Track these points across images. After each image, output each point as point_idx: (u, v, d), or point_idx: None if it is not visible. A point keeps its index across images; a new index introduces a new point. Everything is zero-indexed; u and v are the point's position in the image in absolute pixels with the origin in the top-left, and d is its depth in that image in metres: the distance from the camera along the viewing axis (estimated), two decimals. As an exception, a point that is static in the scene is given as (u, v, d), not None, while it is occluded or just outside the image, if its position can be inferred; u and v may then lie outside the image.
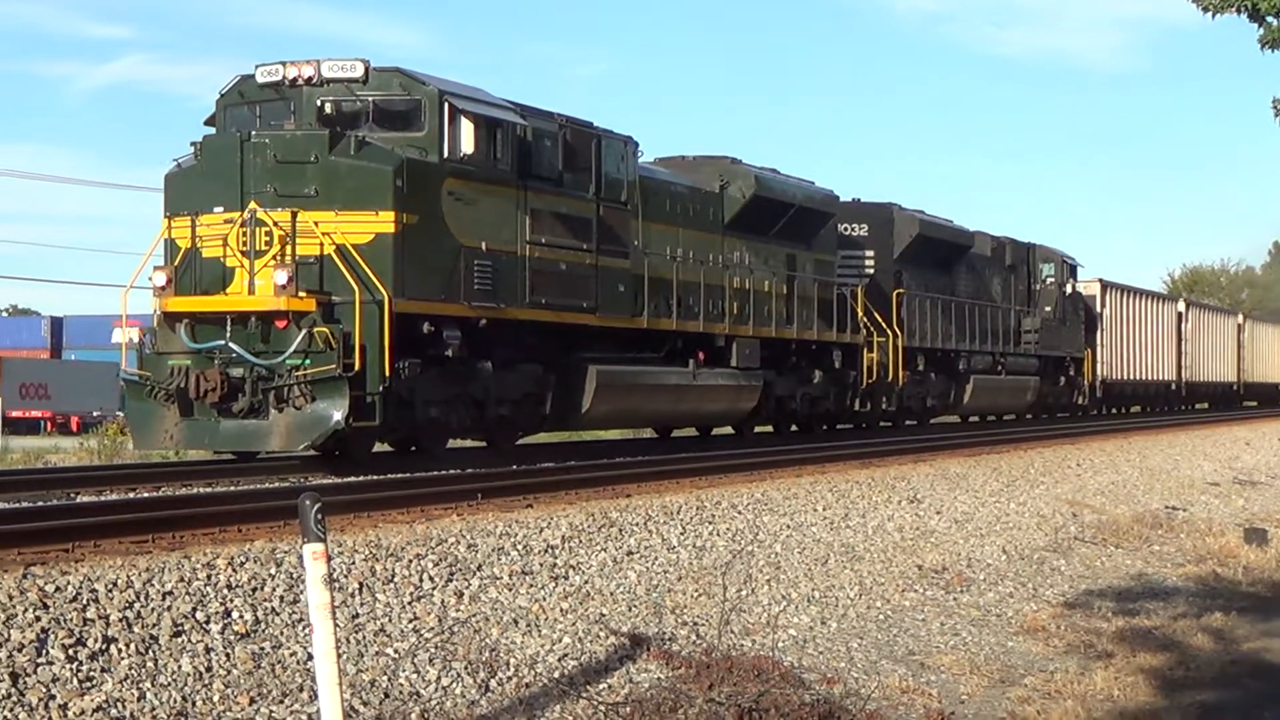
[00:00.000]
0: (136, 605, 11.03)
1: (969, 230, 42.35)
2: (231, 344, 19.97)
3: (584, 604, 14.38)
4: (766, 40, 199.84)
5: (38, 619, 10.33)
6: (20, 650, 9.95)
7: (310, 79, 21.25)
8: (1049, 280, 47.27)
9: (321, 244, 20.03)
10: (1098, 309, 51.65)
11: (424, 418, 21.65)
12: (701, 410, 29.79)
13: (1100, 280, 52.71)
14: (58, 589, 10.84)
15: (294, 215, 20.00)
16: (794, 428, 34.08)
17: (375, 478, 20.07)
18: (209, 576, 11.93)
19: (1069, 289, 48.60)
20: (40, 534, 13.19)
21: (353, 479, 19.75)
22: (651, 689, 12.21)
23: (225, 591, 11.78)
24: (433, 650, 12.14)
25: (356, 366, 19.50)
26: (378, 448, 24.00)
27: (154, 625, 10.89)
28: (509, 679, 12.10)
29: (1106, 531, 25.37)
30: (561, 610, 14.00)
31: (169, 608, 11.21)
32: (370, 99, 21.51)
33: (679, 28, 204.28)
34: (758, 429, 32.93)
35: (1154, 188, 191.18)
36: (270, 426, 19.79)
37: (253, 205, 20.13)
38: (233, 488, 18.47)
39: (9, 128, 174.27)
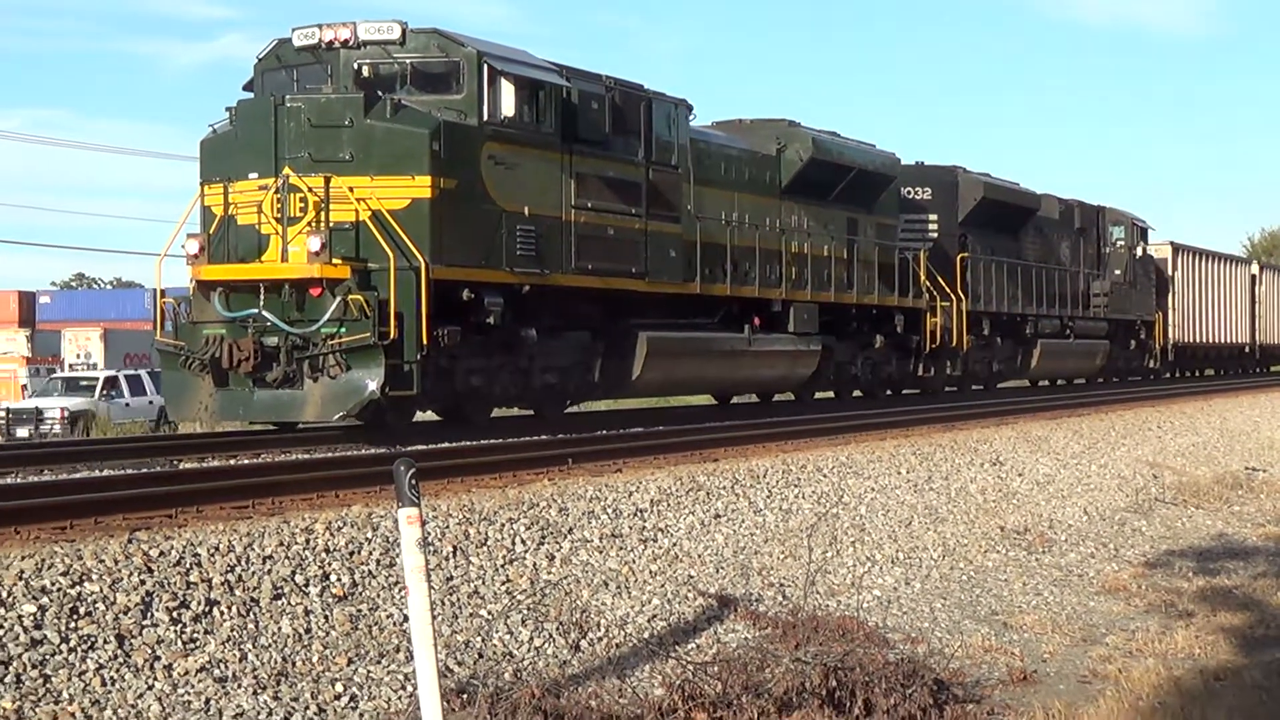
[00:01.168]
0: (238, 569, 11.14)
1: (1036, 193, 41.58)
2: (265, 312, 19.47)
3: (672, 566, 14.40)
4: (843, 12, 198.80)
5: (143, 583, 10.46)
6: (126, 613, 10.08)
7: (346, 41, 20.66)
8: (1119, 243, 46.50)
9: (357, 210, 19.50)
10: (1169, 272, 50.94)
11: (465, 386, 21.10)
12: (758, 376, 29.23)
13: (1171, 243, 52.10)
14: (162, 554, 10.97)
15: (327, 181, 19.43)
16: (856, 394, 33.61)
17: (469, 443, 20.07)
18: (308, 541, 12.03)
19: (1139, 252, 47.74)
20: (145, 500, 13.40)
21: (446, 444, 19.75)
22: (739, 649, 12.23)
23: (323, 555, 11.87)
24: (525, 612, 12.20)
25: (392, 334, 18.94)
26: (423, 417, 23.85)
27: (255, 588, 10.99)
28: (599, 639, 12.13)
29: (1187, 492, 25.18)
30: (650, 572, 14.03)
31: (269, 571, 11.31)
32: (408, 61, 20.84)
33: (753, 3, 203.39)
34: (818, 395, 32.45)
35: (1232, 152, 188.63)
36: (305, 396, 19.23)
37: (286, 171, 19.63)
38: (330, 454, 18.46)
39: (111, 104, 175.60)
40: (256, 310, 19.45)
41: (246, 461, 17.50)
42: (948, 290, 34.58)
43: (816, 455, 20.79)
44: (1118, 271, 46.08)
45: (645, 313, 24.46)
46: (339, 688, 10.15)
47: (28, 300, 78.48)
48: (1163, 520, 22.68)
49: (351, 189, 19.40)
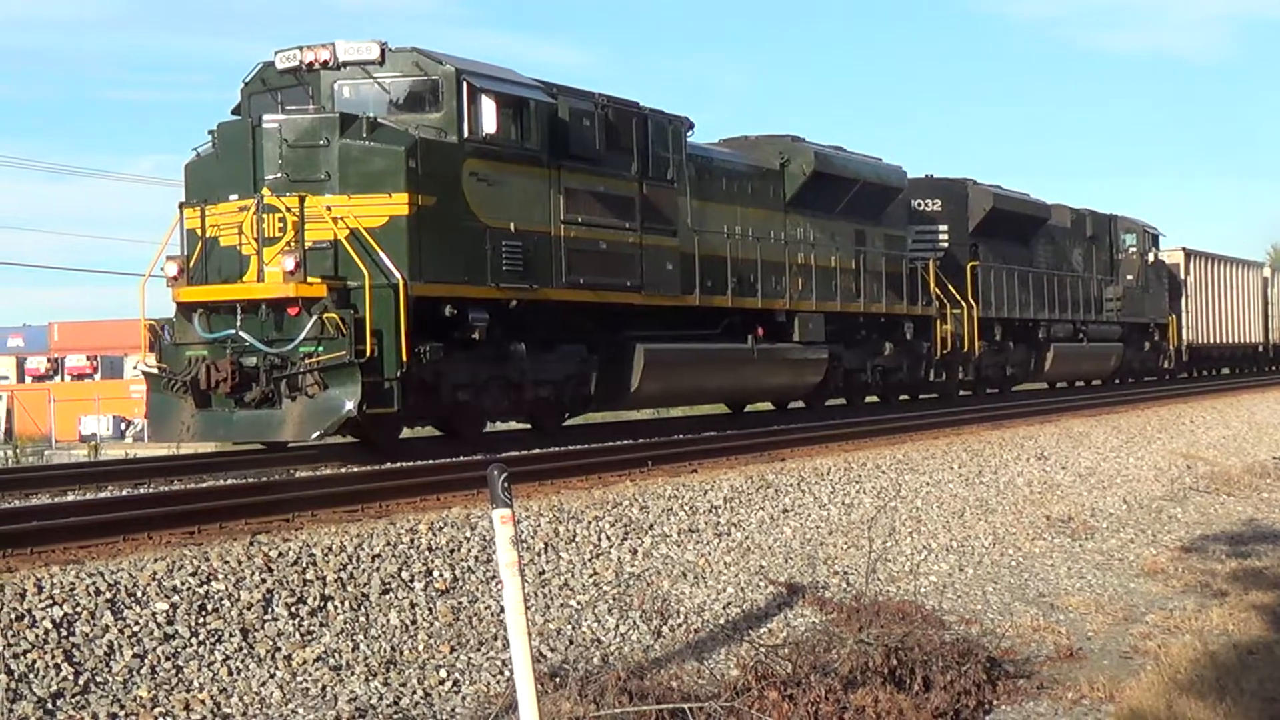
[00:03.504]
0: (349, 567, 11.34)
1: (1046, 203, 40.81)
2: (242, 332, 18.53)
3: (745, 557, 14.53)
4: (883, 42, 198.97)
5: (263, 581, 10.66)
6: (249, 609, 10.29)
7: (326, 62, 19.65)
8: (1131, 250, 45.82)
9: (335, 229, 18.60)
10: (1182, 276, 50.46)
11: (452, 402, 20.13)
12: (764, 385, 28.21)
13: (1184, 249, 51.57)
14: (280, 554, 11.20)
15: (302, 200, 18.50)
16: (867, 399, 32.44)
17: (557, 448, 20.09)
18: (412, 540, 12.22)
19: (1151, 257, 47.11)
20: (264, 506, 13.70)
21: (537, 450, 19.76)
22: (807, 632, 12.38)
23: (426, 553, 12.08)
24: (611, 601, 12.34)
25: (369, 352, 17.96)
26: (420, 432, 23.18)
27: (365, 584, 11.20)
28: (679, 625, 12.28)
29: (1219, 481, 25.19)
30: (725, 563, 14.16)
31: (378, 568, 11.50)
32: (388, 81, 19.89)
33: (810, 36, 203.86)
34: (831, 403, 31.39)
35: (1254, 167, 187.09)
36: (283, 416, 18.25)
37: (264, 191, 18.74)
38: (431, 461, 18.44)
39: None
40: (234, 331, 18.61)
41: (356, 469, 17.53)
42: (959, 298, 33.84)
43: (875, 454, 20.91)
44: (1130, 276, 45.60)
45: (644, 325, 23.58)
46: (443, 673, 10.35)
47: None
48: (1197, 507, 22.73)
49: (329, 208, 18.57)
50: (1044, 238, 40.23)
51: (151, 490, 16.25)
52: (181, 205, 19.69)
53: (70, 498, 15.79)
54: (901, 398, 33.83)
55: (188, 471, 18.22)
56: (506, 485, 8.76)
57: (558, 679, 10.18)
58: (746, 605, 13.43)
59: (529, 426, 23.49)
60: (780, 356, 27.21)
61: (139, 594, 10.15)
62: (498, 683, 10.35)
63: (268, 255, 18.56)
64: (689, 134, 24.99)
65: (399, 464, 18.55)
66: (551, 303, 21.30)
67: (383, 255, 18.41)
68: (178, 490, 15.89)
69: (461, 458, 18.90)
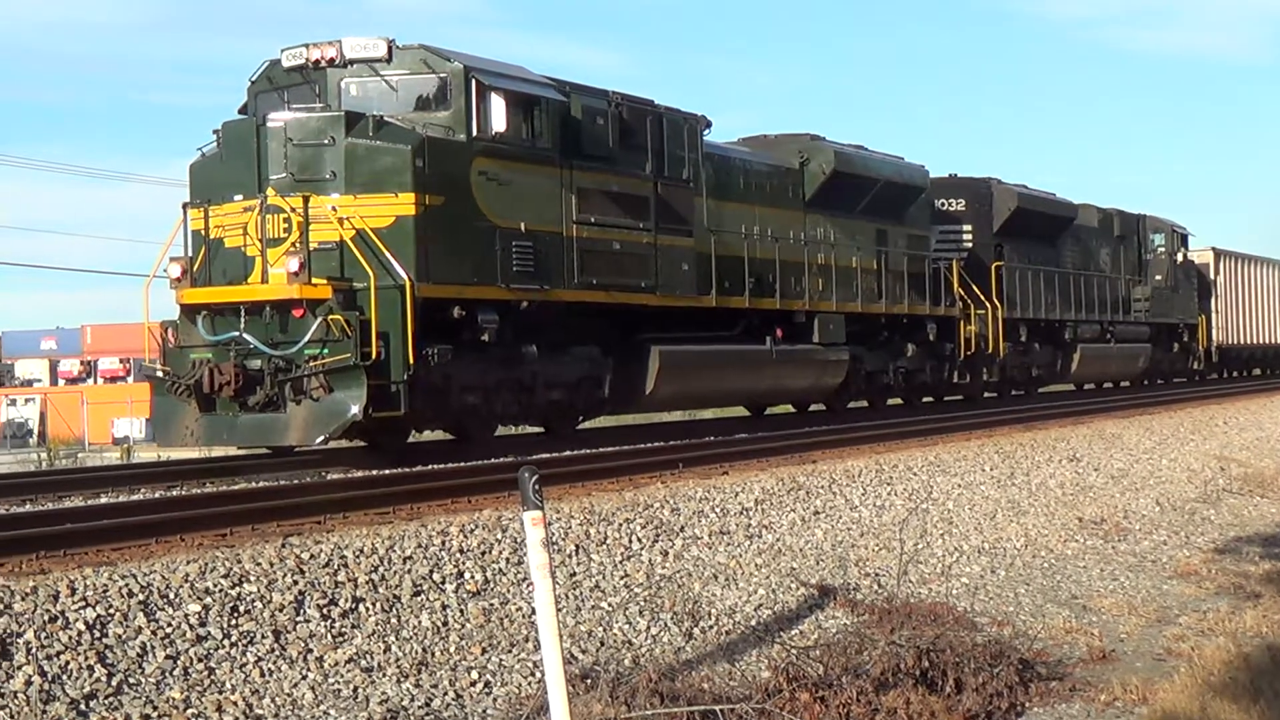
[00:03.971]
0: (381, 569, 11.37)
1: (1073, 202, 40.41)
2: (246, 334, 18.21)
3: (776, 559, 14.53)
4: (913, 41, 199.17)
5: (295, 583, 10.71)
6: (281, 610, 10.34)
7: (333, 60, 19.39)
8: (1160, 249, 45.36)
9: (340, 229, 18.25)
10: (1211, 276, 50.02)
11: (462, 405, 19.74)
12: (783, 387, 27.71)
13: (1213, 248, 51.00)
14: (312, 556, 11.25)
15: (306, 200, 18.14)
16: (890, 401, 32.13)
17: (588, 451, 20.07)
18: (443, 542, 12.26)
19: (1180, 257, 46.61)
20: (296, 508, 13.79)
21: (568, 453, 19.76)
22: (838, 633, 12.37)
23: (458, 555, 12.12)
24: (642, 603, 12.35)
25: (374, 354, 17.60)
26: (430, 436, 22.79)
27: (396, 586, 11.23)
28: (710, 627, 12.26)
29: (1252, 483, 25.10)
30: (756, 565, 14.17)
31: (409, 570, 11.53)
32: (395, 78, 19.48)
33: (839, 37, 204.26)
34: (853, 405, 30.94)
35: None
36: (288, 420, 17.88)
37: (269, 191, 18.38)
38: (462, 464, 18.44)
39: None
40: (237, 333, 18.30)
41: (387, 472, 17.53)
42: (983, 298, 33.42)
43: (907, 456, 20.89)
44: (1159, 277, 45.13)
45: (659, 327, 23.18)
46: (474, 675, 10.36)
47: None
48: (1230, 509, 22.64)
49: (335, 208, 18.25)
50: (1070, 237, 39.81)
51: (184, 492, 16.31)
52: (185, 206, 19.41)
53: (103, 500, 15.86)
54: (925, 400, 33.52)
55: (220, 474, 18.22)
56: (538, 487, 8.77)
57: (589, 680, 10.18)
58: (778, 607, 13.40)
59: (542, 430, 23.27)
60: (800, 358, 26.83)
61: (172, 596, 10.18)
62: (529, 684, 10.36)
63: (272, 256, 18.27)
64: (706, 133, 24.61)
65: (430, 466, 18.53)
66: (563, 304, 20.96)
67: (389, 256, 18.12)
68: (210, 492, 15.94)
69: (493, 460, 18.90)
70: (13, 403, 70.60)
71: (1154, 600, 16.05)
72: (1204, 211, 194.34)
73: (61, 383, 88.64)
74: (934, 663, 11.62)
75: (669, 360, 22.82)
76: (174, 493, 16.32)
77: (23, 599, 9.54)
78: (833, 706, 10.56)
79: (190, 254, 19.30)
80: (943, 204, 34.27)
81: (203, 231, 19.09)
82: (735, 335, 25.39)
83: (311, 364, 17.66)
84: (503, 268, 19.68)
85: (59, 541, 11.62)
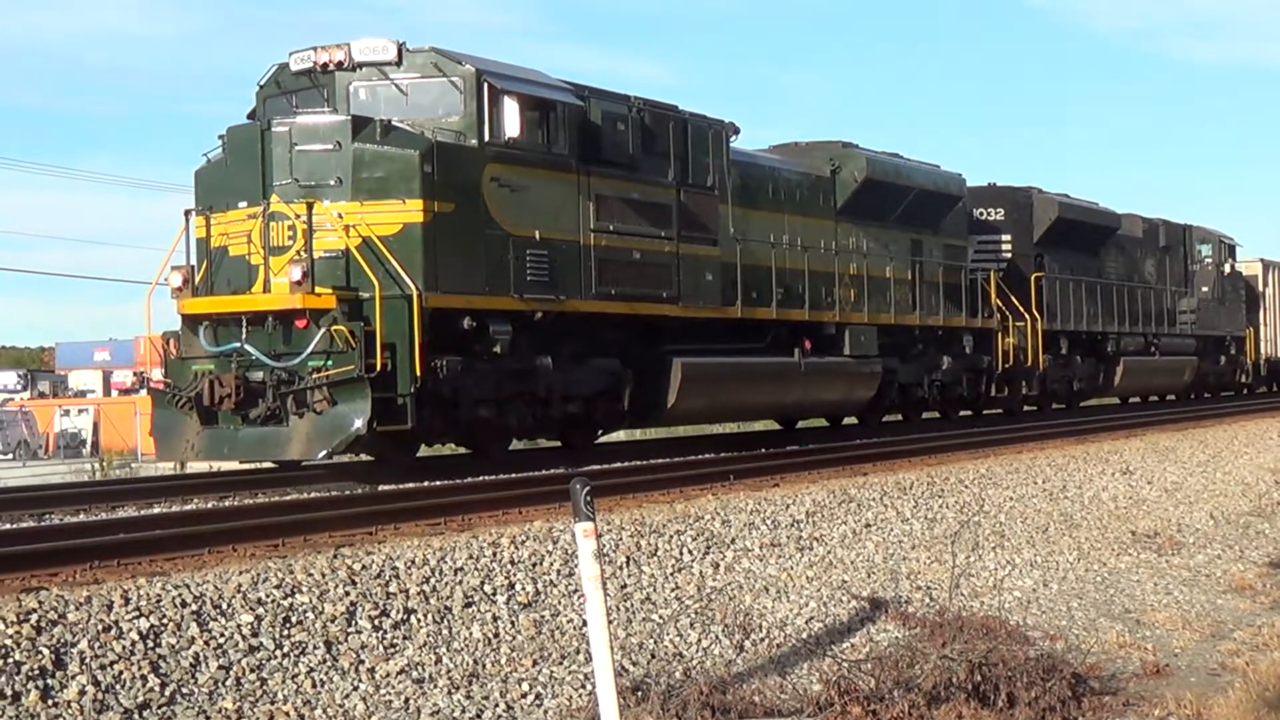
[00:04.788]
0: (432, 580, 11.37)
1: (1117, 212, 39.64)
2: (247, 346, 17.61)
3: (827, 572, 14.46)
4: (967, 55, 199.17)
5: (347, 594, 10.72)
6: (333, 621, 10.33)
7: (341, 63, 18.84)
8: (1207, 260, 44.68)
9: (346, 237, 17.68)
10: (1260, 288, 49.31)
11: (472, 418, 18.99)
12: (812, 400, 26.71)
13: (1262, 260, 50.12)
14: (364, 567, 11.23)
15: (309, 207, 17.51)
16: (926, 415, 31.35)
17: (639, 462, 20.04)
18: (494, 554, 12.25)
19: (1228, 269, 45.92)
20: (348, 520, 13.74)
21: (619, 464, 19.73)
22: (890, 647, 12.28)
23: (509, 566, 12.11)
24: (693, 615, 12.31)
25: (379, 366, 17.03)
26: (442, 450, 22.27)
27: (448, 597, 11.22)
28: (762, 640, 12.22)
29: (1308, 497, 24.64)
30: (807, 578, 14.11)
31: (460, 582, 11.53)
32: (405, 82, 18.87)
33: (893, 44, 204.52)
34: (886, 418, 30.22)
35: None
36: (289, 434, 17.29)
37: (273, 198, 17.82)
38: (514, 475, 18.42)
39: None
40: (239, 344, 17.71)
41: (439, 483, 17.52)
42: (1022, 310, 32.69)
43: (958, 468, 20.79)
44: (1205, 288, 44.43)
45: (682, 338, 22.41)
46: (525, 687, 10.33)
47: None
48: (1285, 523, 22.29)
49: (340, 215, 17.70)
50: (1114, 248, 39.15)
51: (236, 503, 16.36)
52: (187, 212, 18.81)
53: (156, 510, 15.94)
54: (963, 413, 32.68)
55: (272, 485, 18.17)
56: (589, 499, 8.75)
57: (640, 693, 10.15)
58: (829, 620, 13.28)
59: (559, 444, 22.56)
60: (830, 371, 25.96)
61: (224, 606, 10.16)
62: (580, 696, 10.29)
63: (275, 265, 17.72)
64: (734, 139, 23.88)
65: (480, 478, 18.46)
66: (581, 315, 20.29)
67: (396, 265, 17.56)
68: (262, 503, 15.96)
69: (544, 471, 18.84)
70: (66, 413, 70.97)
71: (1208, 614, 15.88)
72: (1253, 222, 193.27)
73: (115, 393, 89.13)
74: (986, 676, 11.53)
75: (691, 373, 22.04)
76: (226, 503, 16.37)
77: (77, 608, 9.56)
78: (885, 719, 10.52)
79: (194, 262, 18.77)
80: (981, 213, 33.58)
81: (207, 239, 18.64)
82: (762, 347, 24.66)
83: (315, 376, 17.17)
84: (516, 277, 19.10)
85: (113, 551, 11.66)
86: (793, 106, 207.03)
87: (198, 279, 18.66)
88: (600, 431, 22.66)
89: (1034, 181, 37.05)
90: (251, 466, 19.52)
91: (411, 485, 17.62)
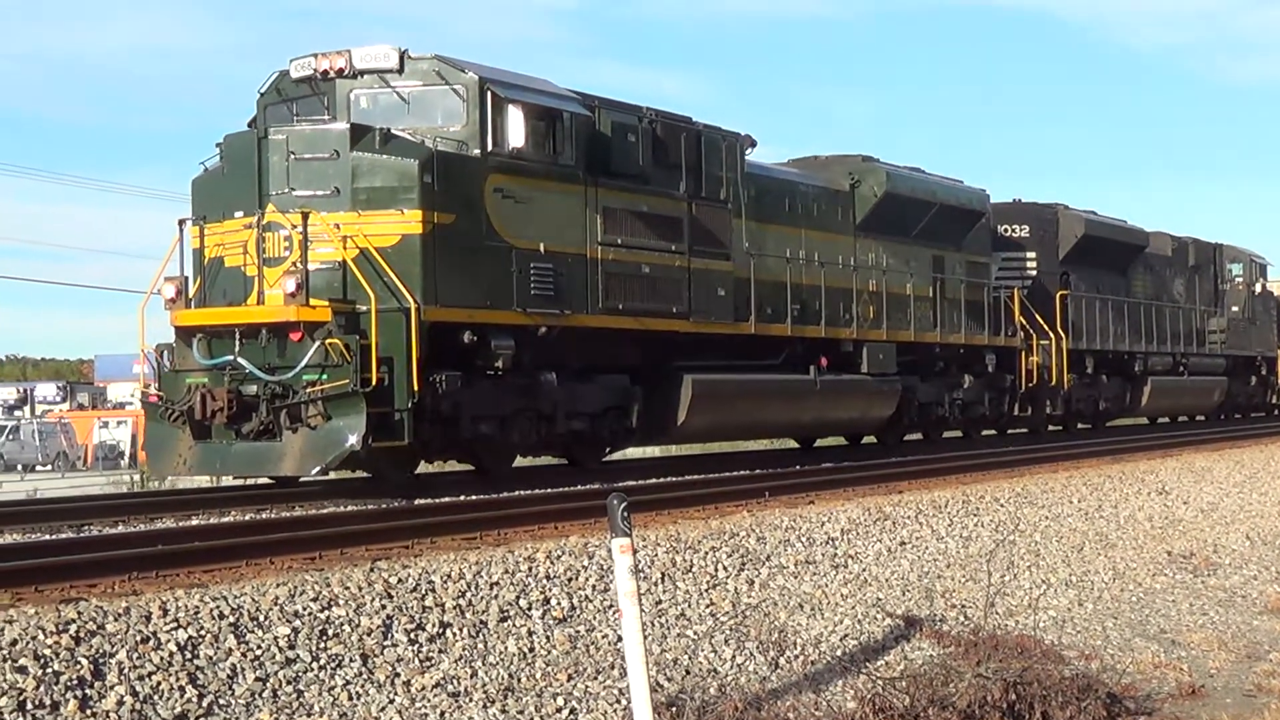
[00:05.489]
0: (468, 594, 11.38)
1: (1145, 230, 39.27)
2: (240, 359, 17.09)
3: (862, 589, 14.41)
4: (1005, 77, 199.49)
5: (383, 607, 10.72)
6: (369, 634, 10.34)
7: (342, 70, 18.35)
8: (1237, 280, 44.18)
9: (343, 248, 17.18)
10: None
11: (473, 435, 18.43)
12: (828, 419, 26.17)
13: None
14: (400, 581, 11.23)
15: (305, 217, 17.00)
16: (947, 434, 30.71)
17: (675, 478, 19.99)
18: (530, 568, 12.23)
19: (1259, 288, 45.44)
20: (385, 533, 13.79)
21: (654, 479, 19.71)
22: (924, 665, 12.25)
23: (544, 581, 12.09)
24: (728, 632, 12.28)
25: (374, 380, 16.47)
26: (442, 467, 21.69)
27: (483, 611, 11.22)
28: (796, 657, 12.19)
29: (1346, 518, 24.48)
30: (842, 595, 14.07)
31: (496, 596, 11.54)
32: (407, 90, 18.36)
33: (932, 67, 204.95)
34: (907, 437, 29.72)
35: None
36: (282, 449, 16.78)
37: (268, 208, 17.34)
38: (549, 490, 18.40)
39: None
40: (231, 357, 17.19)
41: (475, 497, 17.51)
42: (1046, 328, 32.14)
43: (994, 487, 20.70)
44: (1236, 308, 43.89)
45: (693, 354, 21.82)
46: (560, 701, 10.31)
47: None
48: (1322, 544, 22.16)
49: (338, 225, 17.14)
50: (1142, 266, 38.70)
51: (274, 516, 16.38)
52: (181, 223, 18.31)
53: (194, 522, 15.97)
54: (986, 433, 32.19)
55: (309, 498, 18.02)
56: (626, 515, 8.75)
57: (674, 709, 10.12)
58: (863, 637, 13.18)
59: (565, 461, 22.05)
60: (846, 389, 25.34)
61: (261, 618, 10.14)
62: (615, 712, 10.22)
63: (270, 276, 17.24)
64: (750, 152, 23.40)
65: (516, 493, 18.31)
66: (587, 329, 19.73)
67: (394, 277, 17.03)
68: (299, 516, 15.95)
69: (579, 486, 18.80)
70: (105, 425, 71.33)
71: (1244, 635, 15.79)
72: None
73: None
74: (1021, 695, 11.49)
75: (702, 390, 21.51)
76: (264, 515, 16.40)
77: (115, 619, 9.57)
78: (919, 738, 10.50)
79: (190, 273, 18.29)
80: (1006, 230, 33.18)
81: (203, 250, 18.17)
82: (777, 364, 24.08)
83: (309, 390, 16.69)
84: (519, 291, 18.56)
85: (151, 563, 11.65)
86: (827, 123, 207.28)
87: (193, 291, 18.22)
88: (608, 449, 22.03)
89: (1060, 198, 36.76)
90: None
91: (448, 500, 17.50)
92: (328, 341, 16.64)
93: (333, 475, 18.62)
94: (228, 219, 17.88)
